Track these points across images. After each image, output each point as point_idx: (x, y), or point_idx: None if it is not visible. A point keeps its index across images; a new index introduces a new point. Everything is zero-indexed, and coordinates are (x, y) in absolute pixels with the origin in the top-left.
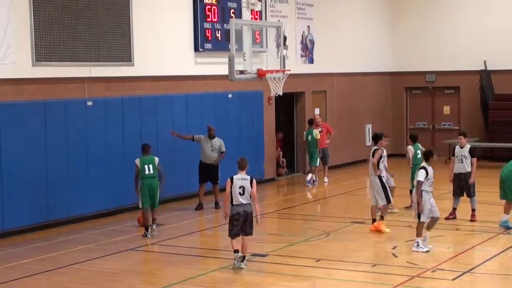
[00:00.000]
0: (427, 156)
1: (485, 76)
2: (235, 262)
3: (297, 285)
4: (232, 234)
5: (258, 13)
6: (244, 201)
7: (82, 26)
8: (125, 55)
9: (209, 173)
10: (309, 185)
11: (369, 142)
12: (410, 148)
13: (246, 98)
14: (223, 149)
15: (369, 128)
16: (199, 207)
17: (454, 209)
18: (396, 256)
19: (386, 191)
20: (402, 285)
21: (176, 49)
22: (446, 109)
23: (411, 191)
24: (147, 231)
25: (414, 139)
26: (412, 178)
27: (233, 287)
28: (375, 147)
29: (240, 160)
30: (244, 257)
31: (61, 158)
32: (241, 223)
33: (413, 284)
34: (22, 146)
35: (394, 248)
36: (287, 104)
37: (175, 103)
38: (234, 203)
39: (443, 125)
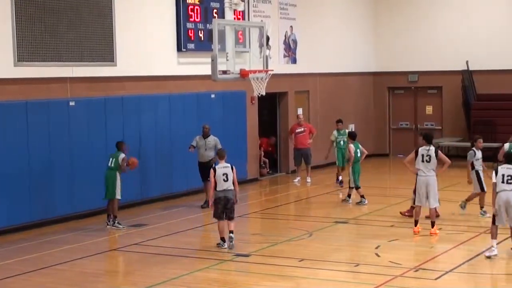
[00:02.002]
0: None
1: (467, 76)
2: (227, 244)
3: (280, 285)
4: (217, 215)
5: (241, 13)
6: (226, 187)
7: (64, 26)
8: (107, 55)
9: (206, 171)
10: (341, 186)
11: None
12: (352, 146)
13: (229, 98)
14: (219, 146)
15: (352, 128)
16: (205, 204)
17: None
18: (378, 256)
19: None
20: (385, 284)
21: (159, 49)
22: (429, 109)
23: (355, 188)
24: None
25: (353, 137)
26: (353, 175)
27: (216, 287)
28: (432, 147)
29: (220, 151)
30: (231, 231)
31: (43, 158)
32: (223, 207)
33: (396, 284)
34: (4, 146)
35: (377, 247)
36: (270, 104)
37: (158, 103)
38: (218, 189)
39: (426, 125)
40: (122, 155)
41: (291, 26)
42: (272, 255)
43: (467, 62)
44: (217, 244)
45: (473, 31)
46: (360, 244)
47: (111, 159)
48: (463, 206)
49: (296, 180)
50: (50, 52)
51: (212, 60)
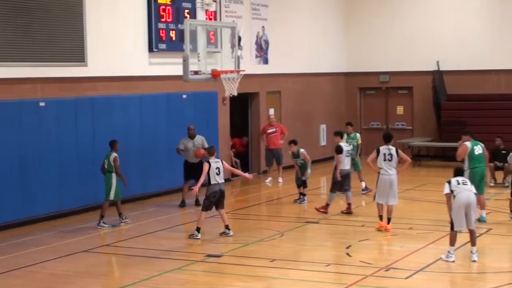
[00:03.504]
0: None
1: (437, 76)
2: (196, 235)
3: (252, 285)
4: (208, 209)
5: (212, 13)
6: (220, 181)
7: (35, 26)
8: (78, 56)
9: (194, 171)
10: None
11: (323, 142)
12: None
13: (200, 98)
14: (206, 145)
15: (323, 129)
16: (183, 204)
17: (328, 205)
18: (350, 256)
19: None
20: (356, 284)
21: (130, 49)
22: (400, 109)
23: (299, 186)
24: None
25: (295, 142)
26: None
27: None
28: (392, 146)
29: (210, 148)
30: (227, 225)
31: (13, 159)
32: (216, 200)
33: (367, 283)
34: None
35: (348, 247)
36: (242, 105)
37: (129, 104)
38: (212, 182)
39: (397, 125)
40: (113, 155)
41: (263, 27)
42: (244, 255)
43: (437, 62)
44: (190, 235)
45: (443, 31)
46: (331, 244)
47: (105, 160)
48: None
49: (267, 181)
50: (21, 53)
51: (184, 61)
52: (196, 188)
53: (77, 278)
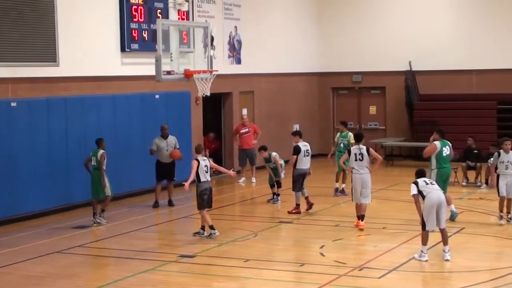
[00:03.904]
0: None
1: (410, 76)
2: (211, 235)
3: (226, 285)
4: (202, 206)
5: (185, 13)
6: (209, 178)
7: (6, 26)
8: (50, 55)
9: (166, 171)
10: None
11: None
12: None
13: (173, 98)
14: (177, 145)
15: (296, 128)
16: (156, 204)
17: (298, 205)
18: (323, 255)
19: None
20: (330, 284)
21: (103, 49)
22: (372, 109)
23: (272, 186)
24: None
25: (264, 148)
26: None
27: None
28: (362, 145)
29: (198, 146)
30: (203, 226)
31: None
32: (208, 198)
33: (341, 283)
34: None
35: (321, 247)
36: (215, 105)
37: (102, 104)
38: (202, 180)
39: (370, 125)
40: (101, 152)
41: (236, 27)
42: (218, 255)
43: (410, 62)
44: (209, 235)
45: (416, 32)
46: (305, 244)
47: (93, 158)
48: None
49: (241, 181)
50: None
51: (156, 61)
52: (187, 184)
53: (50, 280)
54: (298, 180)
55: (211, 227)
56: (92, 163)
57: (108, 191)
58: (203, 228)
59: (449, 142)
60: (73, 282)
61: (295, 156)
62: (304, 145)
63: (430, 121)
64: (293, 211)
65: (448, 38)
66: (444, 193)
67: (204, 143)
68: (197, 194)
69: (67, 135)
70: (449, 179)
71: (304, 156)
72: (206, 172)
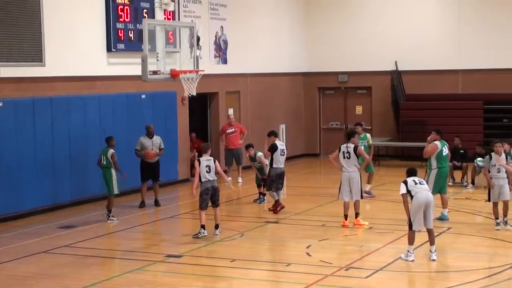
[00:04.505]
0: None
1: (396, 76)
2: (202, 233)
3: (212, 285)
4: (203, 207)
5: (171, 13)
6: (210, 178)
7: None
8: (36, 55)
9: (151, 171)
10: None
11: (283, 142)
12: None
13: (159, 98)
14: (162, 145)
15: (283, 128)
16: (142, 204)
17: (277, 201)
18: (309, 255)
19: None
20: (316, 283)
21: (89, 49)
22: (359, 109)
23: (259, 185)
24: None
25: (252, 146)
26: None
27: None
28: (352, 144)
29: (204, 145)
30: (218, 225)
31: None
32: (210, 197)
33: (327, 283)
34: None
35: (308, 247)
36: (201, 105)
37: (88, 104)
38: (203, 180)
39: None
40: (111, 151)
41: (222, 27)
42: (204, 255)
43: (396, 62)
44: (195, 234)
45: (402, 32)
46: (291, 243)
47: (102, 156)
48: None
49: (227, 180)
50: None
51: (142, 61)
52: (193, 189)
53: (36, 280)
54: (275, 180)
55: (202, 227)
56: (102, 162)
57: (115, 189)
58: (203, 227)
59: (446, 142)
60: (59, 282)
61: (269, 153)
62: (280, 144)
63: (416, 121)
64: (272, 209)
65: (434, 38)
66: (444, 193)
67: (191, 143)
68: (199, 194)
69: (53, 135)
70: (447, 178)
71: (280, 155)
72: (208, 172)
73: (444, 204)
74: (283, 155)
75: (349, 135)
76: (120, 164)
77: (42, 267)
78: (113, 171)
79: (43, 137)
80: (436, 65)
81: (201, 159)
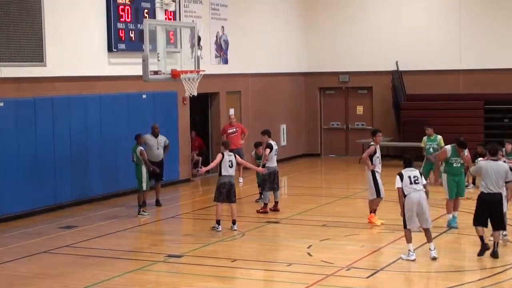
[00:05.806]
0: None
1: (397, 76)
2: (216, 228)
3: (213, 285)
4: (220, 200)
5: (172, 13)
6: (231, 173)
7: None
8: (37, 55)
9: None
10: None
11: (284, 142)
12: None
13: (160, 98)
14: (167, 142)
15: (283, 129)
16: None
17: (266, 204)
18: (311, 255)
19: (377, 186)
20: (317, 283)
21: (90, 49)
22: (359, 109)
23: (259, 185)
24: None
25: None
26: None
27: None
28: (371, 143)
29: (226, 142)
30: (235, 220)
31: None
32: (226, 192)
33: (328, 283)
34: None
35: (309, 247)
36: (202, 105)
37: (88, 104)
38: (223, 174)
39: (357, 125)
40: (139, 148)
41: (223, 27)
42: (205, 255)
43: (396, 62)
44: (212, 227)
45: (403, 32)
46: (293, 243)
47: (133, 154)
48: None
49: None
50: None
51: (143, 61)
52: (203, 170)
53: (37, 280)
54: (268, 179)
55: (217, 222)
56: (133, 159)
57: (144, 186)
58: (218, 222)
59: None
60: (60, 282)
61: (269, 150)
62: (274, 144)
63: (417, 121)
64: (261, 211)
65: (435, 38)
66: (461, 196)
67: (192, 143)
68: (216, 187)
69: (54, 135)
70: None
71: (274, 154)
72: (230, 167)
73: (456, 207)
74: (276, 154)
75: (374, 132)
76: (121, 164)
77: (43, 267)
78: (143, 168)
79: (44, 137)
80: (437, 65)
81: (225, 153)
